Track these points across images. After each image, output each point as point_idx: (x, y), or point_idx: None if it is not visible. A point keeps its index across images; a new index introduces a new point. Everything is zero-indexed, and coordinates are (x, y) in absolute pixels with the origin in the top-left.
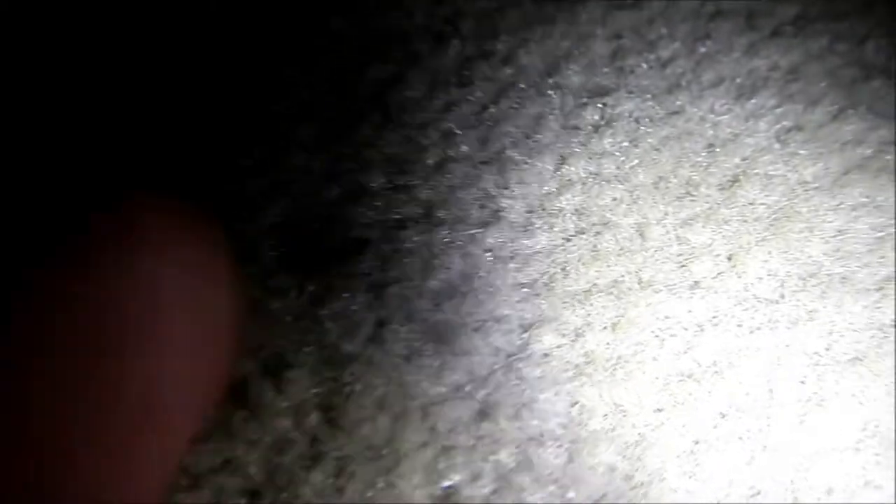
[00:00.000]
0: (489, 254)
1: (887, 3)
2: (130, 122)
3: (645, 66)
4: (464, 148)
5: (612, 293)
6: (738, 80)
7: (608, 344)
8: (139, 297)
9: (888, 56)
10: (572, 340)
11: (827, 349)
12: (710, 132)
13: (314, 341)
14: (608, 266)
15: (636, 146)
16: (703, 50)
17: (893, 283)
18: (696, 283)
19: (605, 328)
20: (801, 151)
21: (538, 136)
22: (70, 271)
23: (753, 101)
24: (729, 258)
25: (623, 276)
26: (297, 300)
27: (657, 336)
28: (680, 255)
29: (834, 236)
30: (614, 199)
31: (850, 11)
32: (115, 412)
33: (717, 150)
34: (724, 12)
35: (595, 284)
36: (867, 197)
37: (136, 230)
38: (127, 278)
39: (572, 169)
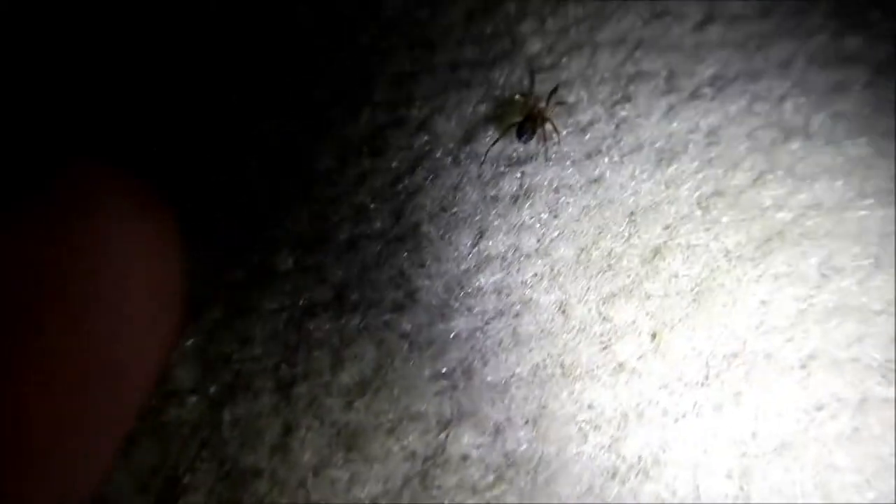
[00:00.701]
0: (404, 340)
1: (805, 61)
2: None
3: (564, 131)
4: (377, 224)
5: (533, 382)
6: (658, 145)
7: (530, 442)
8: (92, 257)
9: (807, 116)
10: (492, 439)
11: (753, 436)
12: (631, 200)
13: (212, 456)
14: (529, 350)
15: (556, 217)
16: (623, 113)
17: (817, 360)
18: (620, 365)
19: (526, 422)
20: (723, 219)
21: (455, 208)
22: (25, 228)
23: (674, 166)
24: (653, 336)
25: (545, 360)
26: (197, 404)
27: (580, 429)
28: (603, 334)
29: (757, 309)
30: (535, 276)
31: (768, 69)
32: (67, 367)
33: (639, 219)
34: (643, 73)
35: (515, 373)
36: (789, 265)
37: (94, 196)
38: (83, 239)
39: (491, 244)
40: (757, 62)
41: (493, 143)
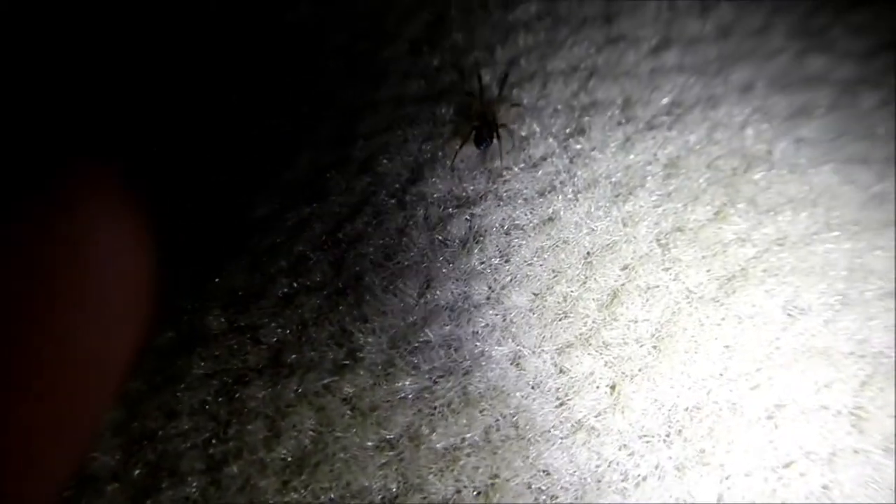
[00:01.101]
0: (346, 406)
1: (767, 84)
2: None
3: (516, 167)
4: (316, 275)
5: (485, 447)
6: (615, 179)
7: None
8: (66, 254)
9: (769, 143)
10: None
11: (719, 499)
12: (587, 240)
13: None
14: (480, 412)
15: (508, 262)
16: (577, 147)
17: (784, 409)
18: (578, 423)
19: (478, 494)
20: (683, 256)
21: (400, 255)
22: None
23: (631, 202)
24: (612, 388)
25: (497, 422)
26: (116, 494)
27: (535, 500)
28: (559, 389)
29: (721, 354)
30: (486, 326)
31: (728, 94)
32: (34, 363)
33: (595, 260)
34: (598, 103)
35: (465, 438)
36: (753, 306)
37: (72, 194)
38: (60, 234)
39: (439, 293)
40: (716, 87)
41: (458, 152)
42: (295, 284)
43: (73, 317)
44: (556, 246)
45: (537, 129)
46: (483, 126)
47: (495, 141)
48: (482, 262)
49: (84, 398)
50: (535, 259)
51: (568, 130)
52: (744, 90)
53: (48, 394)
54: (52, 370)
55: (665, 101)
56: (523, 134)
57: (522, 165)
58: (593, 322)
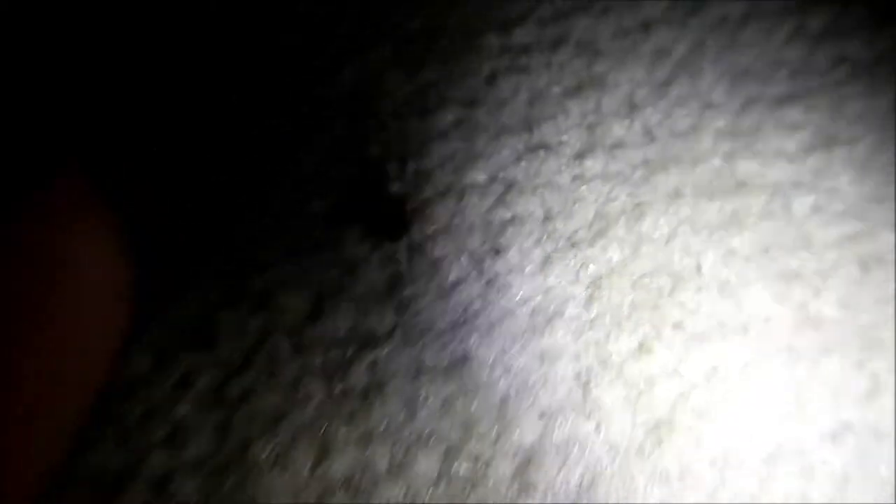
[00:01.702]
0: None
1: (693, 192)
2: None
3: (425, 298)
4: (196, 448)
5: None
6: (533, 305)
7: None
8: (41, 269)
9: (697, 256)
10: None
11: None
12: (502, 383)
13: None
14: None
15: (413, 417)
16: (493, 269)
17: None
18: None
19: None
20: (606, 398)
21: (293, 414)
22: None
23: (548, 335)
24: None
25: None
26: None
27: None
28: None
29: None
30: None
31: (654, 203)
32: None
33: (510, 408)
34: (517, 218)
35: None
36: (681, 460)
37: (50, 211)
38: (35, 250)
39: (335, 465)
40: (642, 195)
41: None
42: (171, 461)
43: (49, 333)
44: (468, 393)
45: (451, 250)
46: (394, 216)
47: (404, 263)
48: (384, 418)
49: (59, 413)
50: (443, 412)
51: (484, 250)
52: (671, 197)
53: (25, 410)
54: (28, 385)
55: (588, 213)
56: (436, 255)
57: (434, 295)
58: (507, 490)
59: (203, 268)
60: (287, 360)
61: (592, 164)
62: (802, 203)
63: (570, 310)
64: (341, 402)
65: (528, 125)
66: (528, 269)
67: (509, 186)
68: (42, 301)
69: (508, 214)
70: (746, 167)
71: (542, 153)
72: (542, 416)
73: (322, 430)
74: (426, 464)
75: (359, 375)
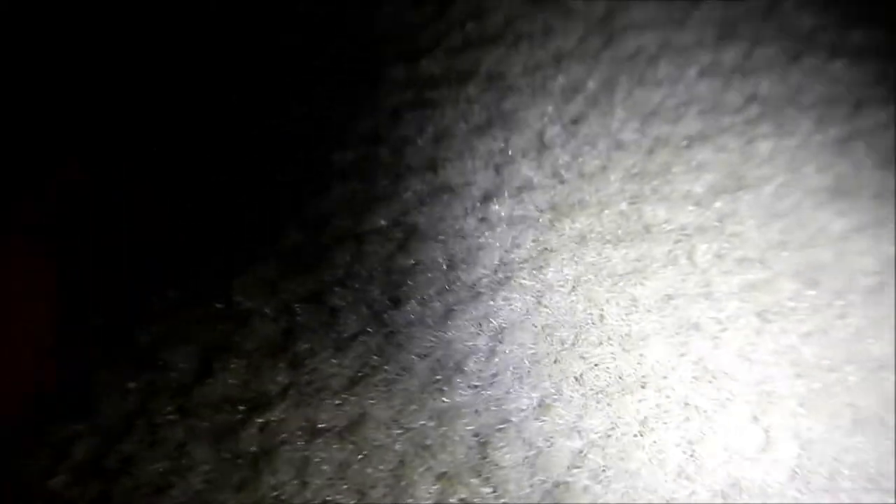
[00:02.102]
0: None
1: (600, 238)
2: None
3: (321, 353)
4: None
5: None
6: (433, 360)
7: None
8: None
9: (601, 306)
10: None
11: None
12: (398, 446)
13: None
14: None
15: (305, 486)
16: (393, 320)
17: None
18: None
19: None
20: (504, 461)
21: (178, 485)
22: None
23: (449, 392)
24: None
25: None
26: None
27: None
28: None
29: None
30: None
31: (560, 249)
32: None
33: (406, 471)
34: (419, 265)
35: None
36: None
37: None
38: None
39: None
40: (548, 241)
41: None
42: None
43: None
44: (364, 456)
45: (348, 301)
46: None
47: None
48: (275, 489)
49: None
50: (338, 477)
51: (383, 300)
52: (577, 243)
53: None
54: None
55: (492, 260)
56: (332, 305)
57: (328, 351)
58: None
59: (82, 325)
60: (171, 424)
61: (498, 208)
62: (706, 250)
63: (471, 365)
64: (228, 471)
65: (433, 165)
66: (429, 321)
67: (411, 232)
68: None
69: (410, 262)
70: (653, 211)
71: (445, 196)
72: (438, 478)
73: (209, 502)
74: None
75: (249, 440)
